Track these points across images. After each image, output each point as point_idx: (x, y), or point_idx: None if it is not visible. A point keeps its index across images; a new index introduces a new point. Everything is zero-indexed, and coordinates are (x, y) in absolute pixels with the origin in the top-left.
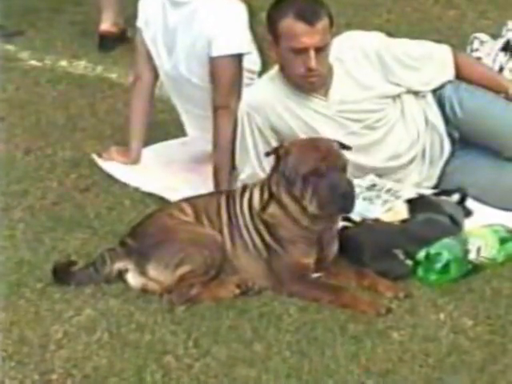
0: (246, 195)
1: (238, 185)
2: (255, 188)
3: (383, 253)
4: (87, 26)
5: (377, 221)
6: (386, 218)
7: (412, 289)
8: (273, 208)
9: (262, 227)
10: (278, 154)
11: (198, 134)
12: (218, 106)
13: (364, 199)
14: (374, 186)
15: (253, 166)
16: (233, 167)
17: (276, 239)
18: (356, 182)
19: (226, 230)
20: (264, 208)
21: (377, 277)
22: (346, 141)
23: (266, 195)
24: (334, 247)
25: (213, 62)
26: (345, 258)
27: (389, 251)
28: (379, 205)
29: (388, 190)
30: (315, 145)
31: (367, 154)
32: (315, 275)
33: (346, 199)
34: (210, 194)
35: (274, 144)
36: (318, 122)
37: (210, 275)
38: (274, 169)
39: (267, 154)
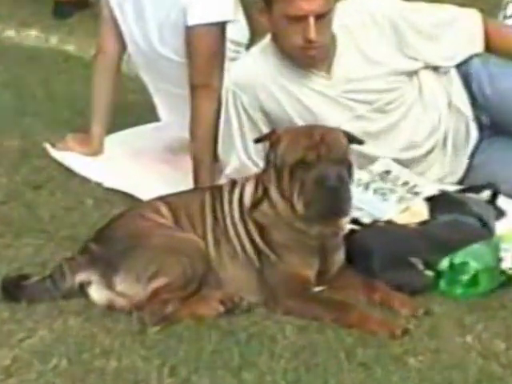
0: (236, 192)
1: (223, 180)
2: (248, 183)
3: (398, 262)
4: None
5: (390, 223)
6: (402, 219)
7: (433, 305)
8: (265, 206)
9: (253, 229)
10: (270, 141)
11: (173, 119)
12: (197, 84)
13: (375, 192)
14: (387, 172)
15: (240, 158)
16: (216, 159)
17: (269, 245)
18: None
19: (210, 235)
20: (255, 205)
21: (390, 291)
22: (352, 126)
23: (259, 192)
24: (340, 256)
25: (189, 32)
26: (352, 268)
27: (404, 260)
28: (394, 202)
29: (405, 183)
30: (309, 132)
31: (377, 143)
32: (316, 289)
33: (334, 196)
34: (190, 192)
35: (266, 131)
36: (318, 103)
37: (190, 289)
38: (267, 160)
39: (256, 141)
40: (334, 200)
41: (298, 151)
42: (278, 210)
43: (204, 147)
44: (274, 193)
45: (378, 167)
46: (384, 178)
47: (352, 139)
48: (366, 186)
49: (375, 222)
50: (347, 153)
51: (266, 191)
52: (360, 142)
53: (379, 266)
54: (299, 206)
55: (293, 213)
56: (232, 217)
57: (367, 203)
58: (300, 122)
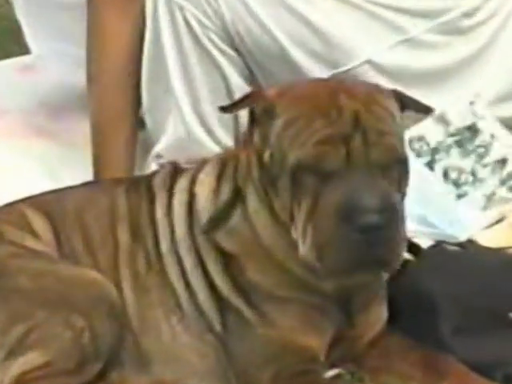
0: (180, 189)
1: (153, 167)
2: (203, 173)
3: (485, 320)
4: None
5: (470, 246)
6: (493, 238)
7: None
8: (236, 219)
9: (211, 260)
10: (253, 111)
11: (54, 49)
12: None
13: (446, 176)
14: (473, 130)
15: (184, 123)
16: (141, 125)
17: (243, 290)
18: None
19: (126, 269)
20: (217, 217)
21: (470, 373)
22: (395, 61)
23: (226, 190)
24: (377, 313)
25: None
26: (400, 332)
27: (498, 317)
28: (477, 206)
29: (500, 163)
30: (332, 99)
31: (445, 89)
32: (330, 373)
33: (374, 242)
34: (87, 188)
35: (234, 77)
36: (329, 16)
37: (89, 374)
38: (247, 140)
39: (224, 109)
40: (373, 248)
41: (308, 144)
42: (258, 231)
43: (113, 103)
44: (252, 196)
45: (456, 116)
46: (463, 139)
47: (407, 104)
48: (432, 158)
49: (441, 244)
50: (402, 144)
51: (238, 191)
52: (428, 111)
53: (450, 327)
54: (304, 249)
55: (289, 250)
56: (171, 235)
57: (428, 200)
58: (298, 57)
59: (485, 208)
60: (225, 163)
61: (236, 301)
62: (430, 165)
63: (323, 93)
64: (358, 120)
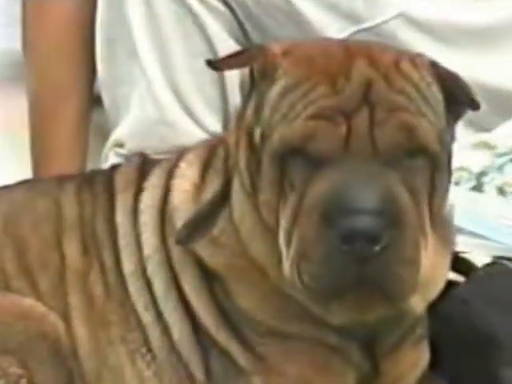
0: (151, 185)
1: (111, 158)
2: (184, 159)
3: None
4: None
5: None
6: None
7: None
8: (224, 225)
9: (191, 281)
10: (253, 71)
11: None
12: None
13: (502, 192)
14: None
15: (153, 97)
16: (96, 102)
17: (230, 323)
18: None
19: (76, 295)
20: (199, 221)
21: None
22: (436, 10)
23: (214, 184)
24: (412, 357)
25: None
26: (445, 376)
27: None
28: None
29: None
30: (342, 65)
31: (499, 50)
32: None
33: (364, 253)
34: (23, 187)
35: (220, 37)
36: None
37: None
38: (240, 116)
39: (213, 65)
40: (364, 265)
41: (299, 119)
42: (244, 240)
43: (57, 74)
44: (237, 193)
45: (504, 138)
46: None
47: (449, 86)
48: (478, 182)
49: (501, 260)
50: (431, 131)
51: (229, 186)
52: (474, 106)
53: None
54: (287, 263)
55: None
56: (138, 249)
57: (483, 219)
58: (309, 10)
59: None
60: (213, 151)
61: (223, 338)
62: (478, 189)
63: (338, 55)
64: (370, 90)
